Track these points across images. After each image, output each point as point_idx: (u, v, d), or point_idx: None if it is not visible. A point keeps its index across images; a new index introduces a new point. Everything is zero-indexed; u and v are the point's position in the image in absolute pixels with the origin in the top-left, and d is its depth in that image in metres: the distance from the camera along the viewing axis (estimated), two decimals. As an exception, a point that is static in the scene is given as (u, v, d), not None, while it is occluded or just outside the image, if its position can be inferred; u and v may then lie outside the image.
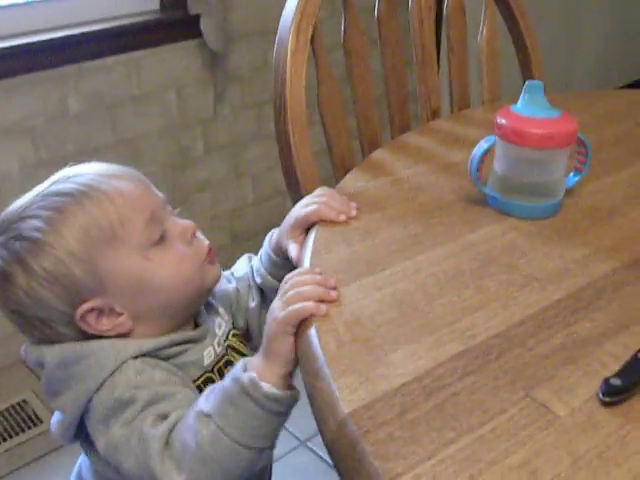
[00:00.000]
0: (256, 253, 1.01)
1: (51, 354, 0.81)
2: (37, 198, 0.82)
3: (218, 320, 0.92)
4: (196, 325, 0.90)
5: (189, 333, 0.86)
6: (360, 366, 0.65)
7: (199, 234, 0.89)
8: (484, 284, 0.77)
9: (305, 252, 0.82)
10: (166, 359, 0.82)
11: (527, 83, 0.88)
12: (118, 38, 1.91)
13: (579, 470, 0.56)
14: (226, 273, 1.00)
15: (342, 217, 0.86)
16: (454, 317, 0.72)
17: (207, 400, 0.74)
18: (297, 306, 0.72)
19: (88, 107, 1.91)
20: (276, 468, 1.66)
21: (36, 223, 0.79)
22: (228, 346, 0.91)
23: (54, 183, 0.83)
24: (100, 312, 0.80)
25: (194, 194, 2.22)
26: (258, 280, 0.96)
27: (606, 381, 0.63)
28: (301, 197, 0.96)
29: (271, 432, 0.74)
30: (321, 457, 1.67)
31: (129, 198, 0.82)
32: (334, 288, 0.75)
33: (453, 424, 0.59)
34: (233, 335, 0.93)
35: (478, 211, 0.91)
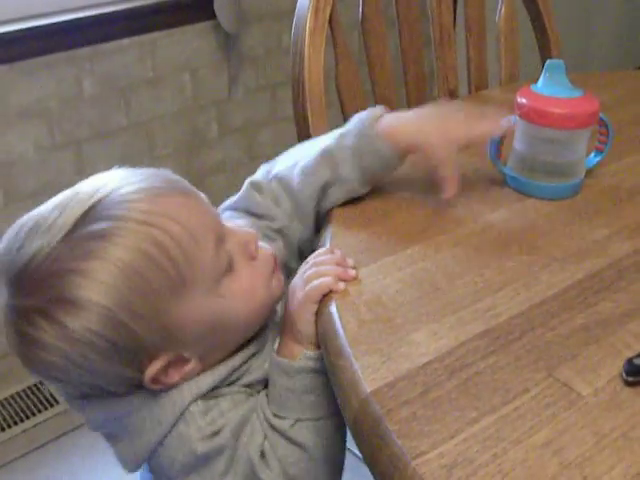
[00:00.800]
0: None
1: (93, 412, 0.73)
2: (65, 244, 0.64)
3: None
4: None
5: (246, 352, 0.76)
6: (382, 345, 0.65)
7: (260, 242, 0.77)
8: (505, 264, 0.77)
9: (325, 233, 0.82)
10: (228, 385, 0.75)
11: (548, 62, 0.87)
12: (132, 20, 1.90)
13: (603, 449, 0.56)
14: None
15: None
16: (476, 297, 0.72)
17: (279, 415, 0.72)
18: (316, 282, 0.72)
19: (102, 89, 1.91)
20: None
21: (75, 279, 0.63)
22: None
23: (85, 220, 0.64)
24: (168, 365, 0.69)
25: (208, 176, 2.22)
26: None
27: (629, 361, 0.62)
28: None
29: None
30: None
31: (188, 225, 0.67)
32: (353, 267, 0.74)
33: (476, 403, 0.59)
34: None
35: (498, 191, 0.90)
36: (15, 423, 1.78)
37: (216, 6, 1.98)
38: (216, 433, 0.70)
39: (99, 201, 0.66)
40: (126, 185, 0.68)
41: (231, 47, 2.12)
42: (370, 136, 0.82)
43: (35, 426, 1.77)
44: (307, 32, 0.99)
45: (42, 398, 1.84)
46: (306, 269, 0.75)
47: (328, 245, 0.79)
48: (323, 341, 0.69)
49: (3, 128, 1.76)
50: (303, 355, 0.72)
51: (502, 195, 0.89)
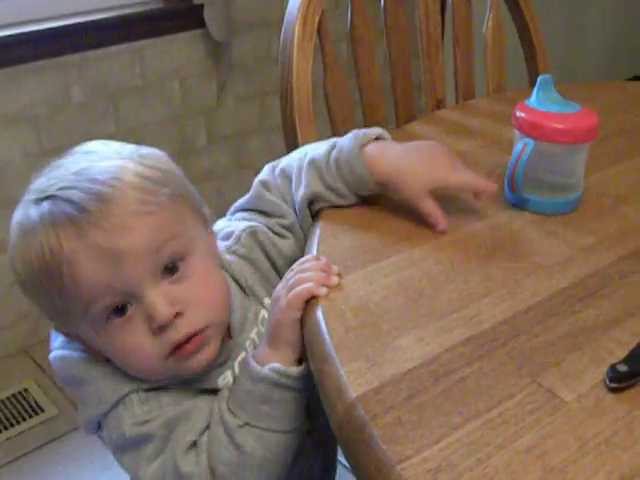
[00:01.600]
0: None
1: (58, 364, 0.78)
2: None
3: (262, 314, 0.84)
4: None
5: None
6: (368, 351, 0.65)
7: (187, 317, 0.72)
8: (490, 272, 0.77)
9: (312, 240, 0.82)
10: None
11: (540, 78, 0.88)
12: (122, 27, 1.91)
13: (586, 454, 0.56)
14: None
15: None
16: (461, 304, 0.72)
17: (233, 412, 0.73)
18: (298, 289, 0.72)
19: (91, 96, 1.91)
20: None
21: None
22: None
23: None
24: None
25: (197, 184, 2.21)
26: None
27: (612, 367, 0.63)
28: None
29: (304, 405, 0.75)
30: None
31: (82, 274, 0.68)
32: (338, 274, 0.75)
33: (460, 409, 0.60)
34: None
35: (484, 200, 0.91)
36: None
37: (206, 15, 1.99)
38: (147, 421, 0.73)
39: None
40: (84, 180, 0.70)
41: (220, 55, 2.13)
42: (354, 158, 0.83)
43: (20, 434, 1.76)
44: (295, 41, 0.99)
45: (27, 406, 1.83)
46: (289, 276, 0.75)
47: (314, 252, 0.80)
48: (309, 347, 0.69)
49: (-9, 134, 1.76)
50: (270, 366, 0.72)
51: (488, 204, 0.90)
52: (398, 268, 0.77)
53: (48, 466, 1.69)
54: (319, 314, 0.70)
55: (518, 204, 0.89)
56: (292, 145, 1.00)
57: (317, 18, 1.02)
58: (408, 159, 0.83)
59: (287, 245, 0.86)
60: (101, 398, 0.74)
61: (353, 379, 0.62)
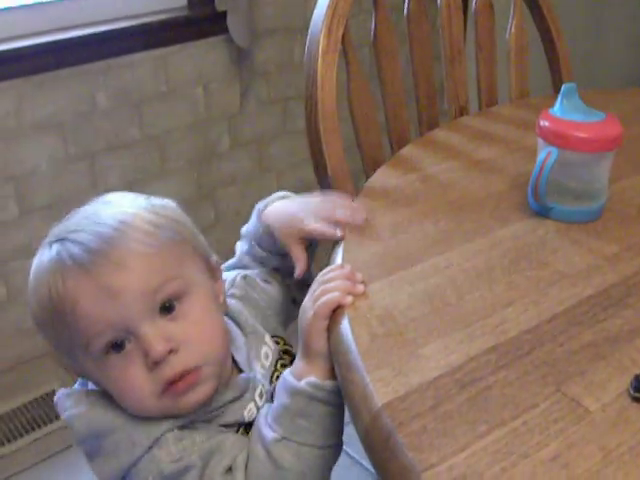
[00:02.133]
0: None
1: (79, 422, 0.77)
2: None
3: (264, 350, 0.87)
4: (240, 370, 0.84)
5: (222, 398, 0.80)
6: (393, 359, 0.66)
7: (181, 354, 0.74)
8: (514, 280, 0.78)
9: (337, 247, 0.83)
10: (204, 422, 0.79)
11: (564, 87, 0.88)
12: (146, 35, 1.93)
13: (610, 464, 0.56)
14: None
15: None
16: (485, 312, 0.73)
17: (271, 427, 0.74)
18: (324, 299, 0.74)
19: (116, 103, 1.94)
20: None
21: None
22: (278, 377, 0.83)
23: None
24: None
25: (220, 189, 2.24)
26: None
27: (637, 377, 0.63)
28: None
29: (342, 421, 0.76)
30: (347, 452, 1.68)
31: (83, 309, 0.72)
32: (362, 282, 0.76)
33: (486, 417, 0.60)
34: (282, 365, 0.88)
35: (507, 207, 0.92)
36: (27, 432, 1.79)
37: (229, 21, 2.01)
38: (184, 457, 0.74)
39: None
40: (84, 230, 0.74)
41: (243, 61, 2.15)
42: (258, 213, 0.92)
43: (46, 435, 1.78)
44: (320, 53, 1.00)
45: (53, 408, 1.85)
46: (315, 288, 0.76)
47: (339, 261, 0.81)
48: (335, 355, 0.70)
49: (18, 141, 1.78)
50: (307, 380, 0.73)
51: (511, 212, 0.91)
52: (423, 276, 0.78)
53: (73, 468, 1.71)
54: (345, 323, 0.71)
55: (541, 212, 0.89)
56: (318, 154, 1.01)
57: (341, 29, 1.03)
58: (285, 210, 0.90)
59: (274, 290, 0.94)
60: (134, 442, 0.74)
61: (379, 387, 0.63)
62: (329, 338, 0.73)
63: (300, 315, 0.77)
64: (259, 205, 0.92)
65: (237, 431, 0.80)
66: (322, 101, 1.00)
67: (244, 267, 0.95)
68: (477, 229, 0.87)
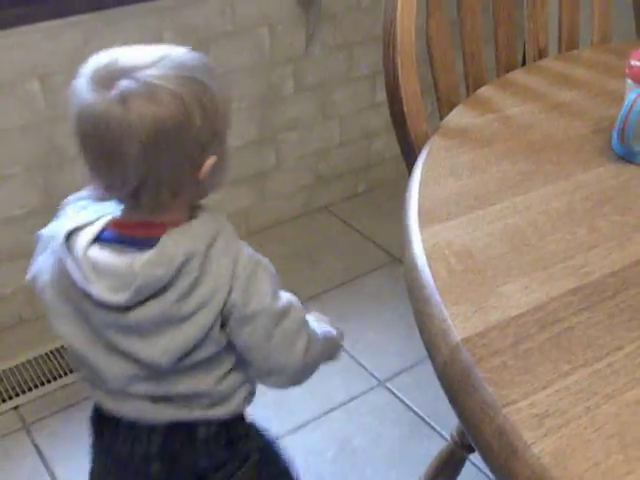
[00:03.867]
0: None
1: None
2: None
3: None
4: None
5: None
6: (472, 296, 0.65)
7: None
8: (597, 224, 0.75)
9: (413, 183, 0.82)
10: None
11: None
12: (214, -28, 1.91)
13: (699, 410, 0.55)
14: None
15: None
16: (567, 254, 0.71)
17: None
18: None
19: (183, 41, 1.92)
20: (353, 407, 1.68)
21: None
22: None
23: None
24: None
25: (282, 133, 2.22)
26: None
27: None
28: (407, 134, 0.96)
29: None
30: (400, 398, 1.69)
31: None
32: None
33: (568, 357, 0.59)
34: None
35: (589, 151, 0.88)
36: (54, 378, 1.75)
37: (297, -39, 1.97)
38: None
39: None
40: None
41: (310, 4, 2.11)
42: None
43: (67, 385, 1.71)
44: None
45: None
46: None
47: (416, 196, 0.79)
48: (411, 290, 0.69)
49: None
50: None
51: (594, 155, 0.87)
52: (502, 216, 0.76)
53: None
54: (422, 258, 0.69)
55: (626, 156, 0.86)
56: (393, 91, 0.98)
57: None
58: None
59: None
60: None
61: (458, 322, 0.62)
62: (404, 270, 0.71)
63: None
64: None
65: None
66: (401, 36, 0.97)
67: None
68: (558, 172, 0.84)
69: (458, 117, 0.97)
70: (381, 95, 2.23)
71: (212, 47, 1.98)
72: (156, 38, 1.87)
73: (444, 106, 1.05)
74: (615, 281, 0.67)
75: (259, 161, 2.22)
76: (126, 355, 0.82)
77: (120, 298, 0.77)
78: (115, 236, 0.80)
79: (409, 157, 0.96)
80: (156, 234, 0.78)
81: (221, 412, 0.88)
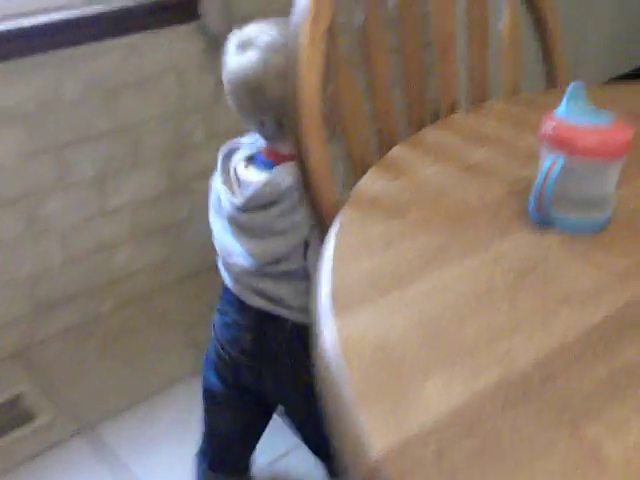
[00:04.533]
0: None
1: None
2: None
3: None
4: None
5: None
6: (390, 399, 0.59)
7: None
8: (520, 300, 0.71)
9: (323, 264, 0.76)
10: None
11: (571, 86, 0.81)
12: (117, 21, 1.84)
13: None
14: None
15: None
16: (489, 339, 0.66)
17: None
18: None
19: (85, 92, 1.84)
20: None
21: None
22: None
23: None
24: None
25: (194, 181, 2.15)
26: None
27: (661, 416, 0.57)
28: (316, 206, 0.91)
29: None
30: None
31: None
32: None
33: (495, 467, 0.54)
34: None
35: (507, 216, 0.85)
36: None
37: (203, 7, 1.92)
38: None
39: None
40: None
41: (218, 49, 2.05)
42: None
43: (11, 443, 1.69)
44: (305, 43, 0.92)
45: (20, 412, 1.77)
46: None
47: (329, 280, 0.73)
48: (323, 390, 0.63)
49: (-20, 133, 1.69)
50: None
51: (511, 221, 0.84)
52: (419, 299, 0.71)
53: (41, 477, 1.63)
54: (333, 353, 0.64)
55: (544, 223, 0.82)
56: (302, 155, 0.93)
57: (327, 20, 0.94)
58: None
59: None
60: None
61: (375, 436, 0.56)
62: (315, 372, 0.65)
63: None
64: None
65: None
66: (307, 98, 0.92)
67: None
68: (476, 242, 0.80)
69: (370, 182, 0.92)
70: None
71: (117, 98, 1.91)
72: (58, 88, 1.78)
73: (357, 167, 1.01)
74: (541, 370, 0.63)
75: (172, 211, 2.14)
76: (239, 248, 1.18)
77: (239, 201, 1.15)
78: (260, 158, 1.20)
79: (320, 232, 0.91)
80: (277, 162, 1.15)
81: (295, 317, 1.17)
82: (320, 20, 0.94)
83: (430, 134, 1.07)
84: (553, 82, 1.25)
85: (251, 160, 1.21)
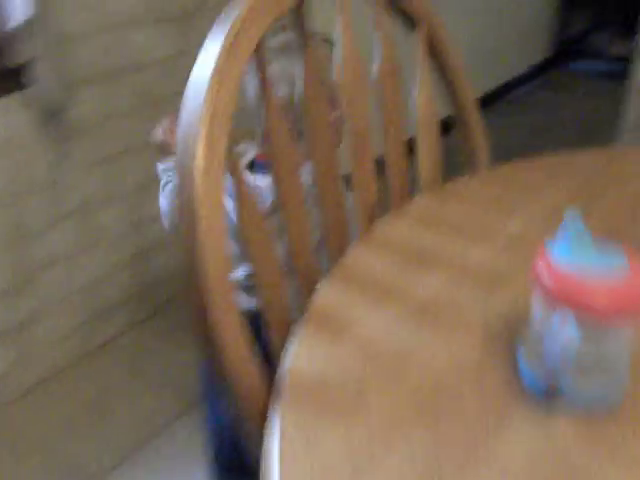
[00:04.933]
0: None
1: None
2: None
3: None
4: None
5: None
6: None
7: None
8: None
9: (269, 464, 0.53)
10: None
11: (568, 219, 0.62)
12: None
13: None
14: None
15: None
16: None
17: None
18: None
19: None
20: None
21: None
22: None
23: None
24: None
25: (40, 273, 1.84)
26: None
27: None
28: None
29: None
30: None
31: None
32: None
33: None
34: None
35: (493, 393, 0.65)
36: None
37: (32, 75, 1.62)
38: None
39: None
40: None
41: (55, 120, 1.76)
42: None
43: None
44: (199, 174, 0.69)
45: None
46: None
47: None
48: None
49: None
50: None
51: (499, 400, 0.64)
52: None
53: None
54: None
55: (549, 395, 0.63)
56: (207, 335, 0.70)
57: (225, 139, 0.72)
58: None
59: None
60: None
61: None
62: None
63: None
64: None
65: None
66: (207, 243, 0.69)
67: None
68: (464, 441, 0.59)
69: (307, 349, 0.70)
70: (150, 208, 1.92)
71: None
72: None
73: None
74: None
75: (16, 312, 1.82)
76: None
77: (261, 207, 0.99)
78: (259, 163, 1.18)
79: (251, 438, 0.68)
80: None
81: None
82: (217, 141, 0.71)
83: (358, 262, 0.85)
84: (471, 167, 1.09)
85: (252, 166, 1.20)
